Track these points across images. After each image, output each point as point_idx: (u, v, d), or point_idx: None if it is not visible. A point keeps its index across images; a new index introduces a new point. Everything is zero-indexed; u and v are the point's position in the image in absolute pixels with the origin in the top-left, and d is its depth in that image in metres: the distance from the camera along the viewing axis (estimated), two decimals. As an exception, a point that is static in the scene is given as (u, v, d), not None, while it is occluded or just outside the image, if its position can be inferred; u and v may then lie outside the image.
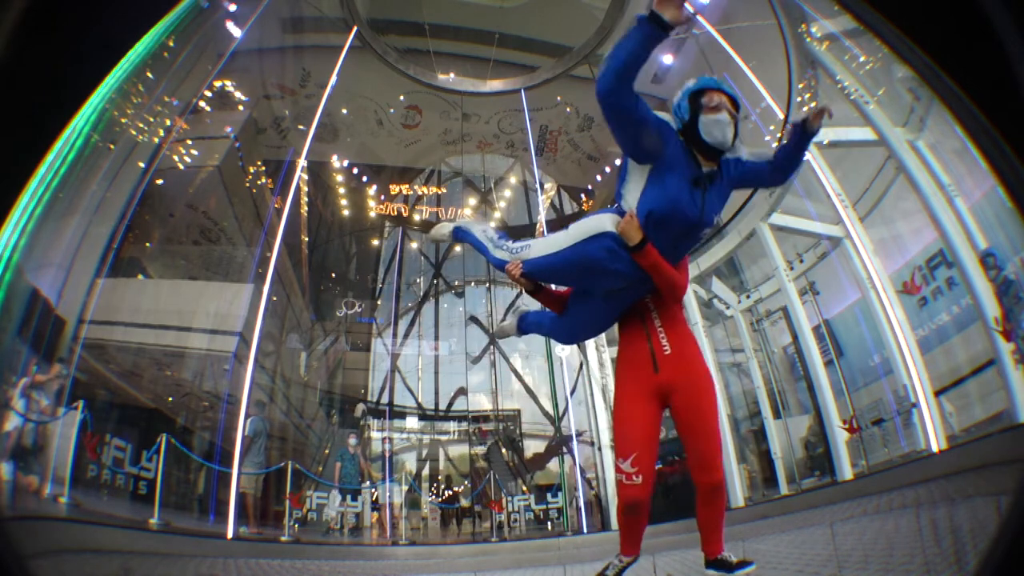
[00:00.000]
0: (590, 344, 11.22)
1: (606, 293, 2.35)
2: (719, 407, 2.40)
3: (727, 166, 2.18)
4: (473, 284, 16.33)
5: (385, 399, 14.83)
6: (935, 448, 5.99)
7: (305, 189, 13.41)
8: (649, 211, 2.08)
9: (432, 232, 2.87)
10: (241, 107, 11.62)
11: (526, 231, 16.26)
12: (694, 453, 2.26)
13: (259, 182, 12.34)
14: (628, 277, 2.20)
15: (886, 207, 7.81)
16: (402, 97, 13.34)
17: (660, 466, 10.04)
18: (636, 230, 2.08)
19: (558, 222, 14.58)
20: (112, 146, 8.05)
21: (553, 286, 2.66)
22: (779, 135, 8.57)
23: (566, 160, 14.86)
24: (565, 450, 11.65)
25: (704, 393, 2.30)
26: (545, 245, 2.32)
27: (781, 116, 8.38)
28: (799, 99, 8.14)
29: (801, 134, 2.18)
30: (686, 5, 1.87)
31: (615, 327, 2.56)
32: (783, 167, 2.28)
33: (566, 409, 11.46)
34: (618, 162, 2.49)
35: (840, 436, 7.29)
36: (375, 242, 16.72)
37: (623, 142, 2.09)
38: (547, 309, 2.73)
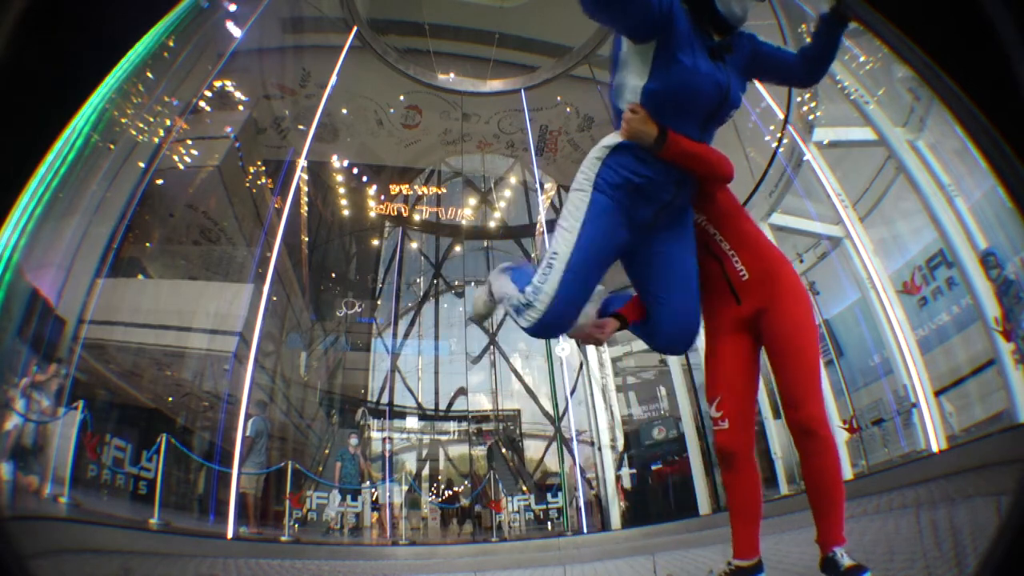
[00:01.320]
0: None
1: (645, 228, 1.89)
2: (816, 330, 2.00)
3: (739, 40, 1.87)
4: (473, 284, 16.35)
5: (385, 399, 14.86)
6: (935, 448, 5.98)
7: (305, 189, 13.42)
8: (659, 91, 1.72)
9: (475, 306, 2.29)
10: (241, 107, 11.62)
11: (526, 231, 16.29)
12: (781, 384, 1.90)
13: (259, 182, 12.35)
14: (666, 184, 1.82)
15: (886, 207, 7.82)
16: (402, 97, 13.34)
17: (659, 466, 10.04)
18: (644, 122, 1.73)
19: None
20: (112, 146, 8.05)
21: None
22: (779, 135, 8.56)
23: (566, 160, 14.84)
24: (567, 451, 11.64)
25: (789, 306, 1.93)
26: (566, 234, 1.81)
27: (781, 116, 8.37)
28: (799, 99, 8.15)
29: (832, 22, 1.85)
30: None
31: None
32: (817, 59, 1.96)
33: (566, 409, 11.45)
34: None
35: (840, 436, 7.28)
36: (375, 242, 16.75)
37: (630, 8, 1.65)
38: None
